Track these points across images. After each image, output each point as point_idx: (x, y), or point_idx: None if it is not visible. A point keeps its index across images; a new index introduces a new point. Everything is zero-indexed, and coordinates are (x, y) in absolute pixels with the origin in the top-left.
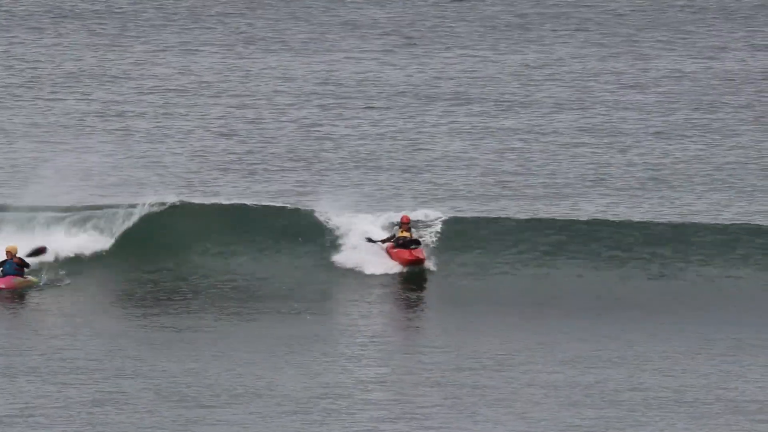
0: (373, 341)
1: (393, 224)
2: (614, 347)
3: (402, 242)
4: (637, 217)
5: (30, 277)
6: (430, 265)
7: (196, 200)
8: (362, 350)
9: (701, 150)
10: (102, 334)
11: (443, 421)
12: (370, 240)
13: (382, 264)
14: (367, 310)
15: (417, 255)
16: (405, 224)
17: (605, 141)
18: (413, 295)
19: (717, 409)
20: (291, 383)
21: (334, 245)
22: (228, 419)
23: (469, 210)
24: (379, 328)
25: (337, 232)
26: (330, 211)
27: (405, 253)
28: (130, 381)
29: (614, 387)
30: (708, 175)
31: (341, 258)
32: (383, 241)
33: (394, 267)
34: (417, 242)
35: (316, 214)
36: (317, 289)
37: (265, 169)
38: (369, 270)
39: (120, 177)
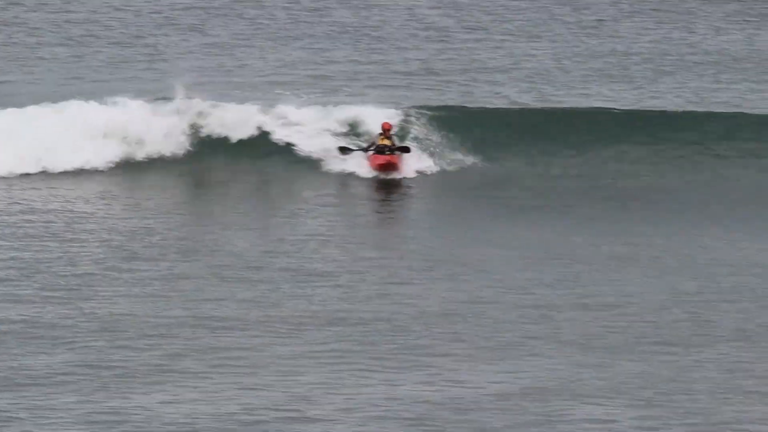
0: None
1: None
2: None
3: (381, 149)
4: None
5: None
6: (407, 172)
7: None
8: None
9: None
10: None
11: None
12: (345, 150)
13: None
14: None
15: (389, 159)
16: (386, 131)
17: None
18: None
19: None
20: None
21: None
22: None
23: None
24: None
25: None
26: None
27: (379, 158)
28: None
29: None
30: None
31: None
32: (365, 150)
33: (368, 173)
34: (405, 149)
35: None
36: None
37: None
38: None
39: None
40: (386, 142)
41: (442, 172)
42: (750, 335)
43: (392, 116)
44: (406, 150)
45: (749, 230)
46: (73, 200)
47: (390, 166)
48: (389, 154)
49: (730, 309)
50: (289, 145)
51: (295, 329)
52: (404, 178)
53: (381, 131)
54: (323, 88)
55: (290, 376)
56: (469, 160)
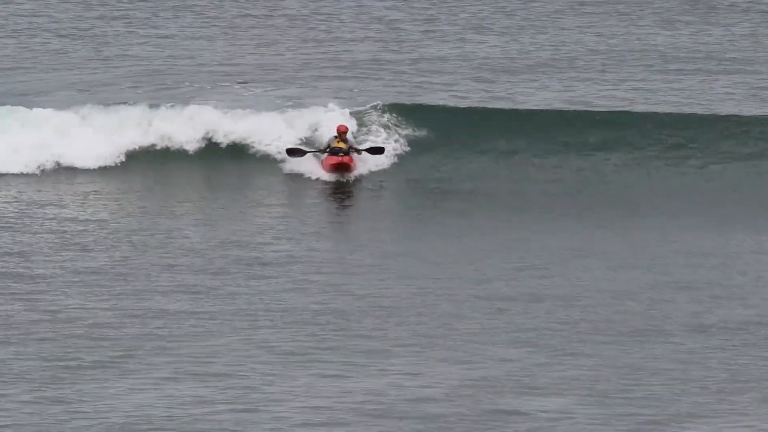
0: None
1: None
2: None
3: (335, 152)
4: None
5: None
6: (361, 172)
7: None
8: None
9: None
10: None
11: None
12: (295, 152)
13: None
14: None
15: (342, 160)
16: (342, 134)
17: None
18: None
19: None
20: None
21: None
22: None
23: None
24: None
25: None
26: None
27: (332, 159)
28: None
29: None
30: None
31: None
32: (321, 152)
33: (322, 175)
34: (379, 150)
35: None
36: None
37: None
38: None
39: None
40: (341, 144)
41: (396, 169)
42: (704, 327)
43: (347, 118)
44: (380, 151)
45: (705, 224)
46: (24, 193)
47: (343, 167)
48: (343, 155)
49: (685, 301)
50: (242, 145)
51: (247, 322)
52: (358, 176)
53: (336, 134)
54: (272, 80)
55: (243, 369)
56: (424, 157)
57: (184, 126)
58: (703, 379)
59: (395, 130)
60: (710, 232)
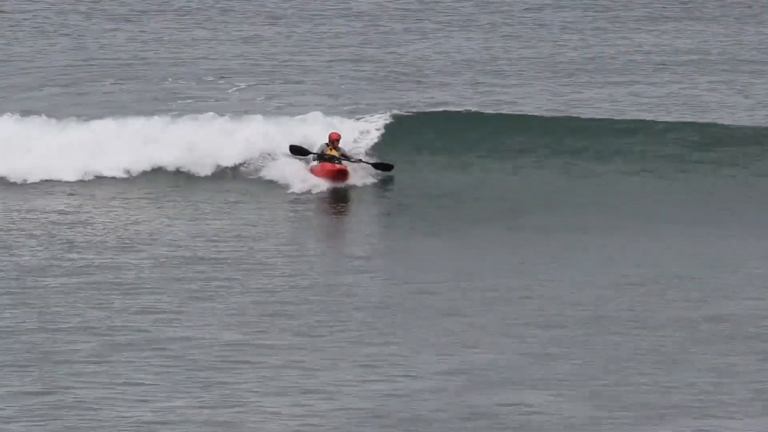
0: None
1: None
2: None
3: (330, 159)
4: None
5: None
6: (356, 180)
7: None
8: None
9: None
10: None
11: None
12: (297, 149)
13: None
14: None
15: (341, 167)
16: (334, 141)
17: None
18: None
19: None
20: None
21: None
22: None
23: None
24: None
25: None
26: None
27: (329, 166)
28: None
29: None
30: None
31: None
32: (317, 158)
33: (319, 184)
34: (388, 167)
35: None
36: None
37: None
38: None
39: None
40: (334, 152)
41: (386, 176)
42: (692, 325)
43: (337, 125)
44: (389, 167)
45: (702, 227)
46: (13, 194)
47: (342, 175)
48: (338, 163)
49: (673, 299)
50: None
51: (236, 320)
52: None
53: (328, 141)
54: (256, 75)
55: (232, 367)
56: (417, 162)
57: (228, 144)
58: (693, 376)
59: (385, 134)
60: (709, 236)
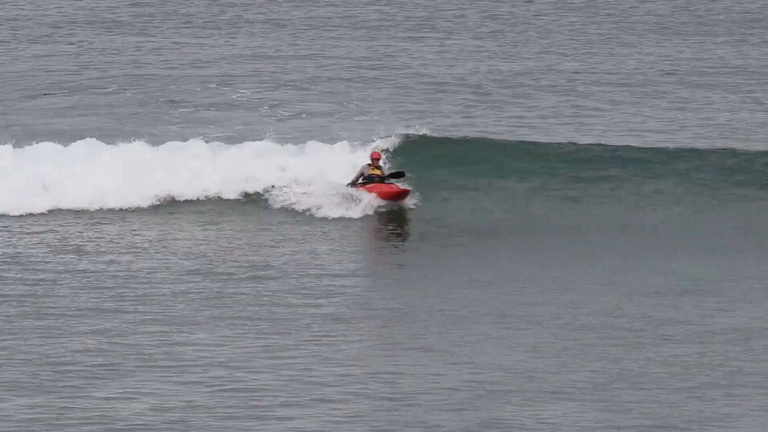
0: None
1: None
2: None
3: (378, 180)
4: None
5: None
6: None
7: None
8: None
9: None
10: None
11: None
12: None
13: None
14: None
15: (404, 189)
16: (375, 161)
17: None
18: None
19: None
20: None
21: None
22: None
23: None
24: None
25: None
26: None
27: (387, 187)
28: None
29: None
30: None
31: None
32: (352, 184)
33: (375, 202)
34: (397, 175)
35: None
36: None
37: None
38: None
39: None
40: (377, 171)
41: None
42: (707, 335)
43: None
44: (401, 175)
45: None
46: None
47: (402, 195)
48: (387, 183)
49: (685, 309)
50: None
51: (246, 325)
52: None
53: (369, 161)
54: (261, 82)
55: (241, 373)
56: (432, 176)
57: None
58: (706, 385)
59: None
60: (720, 250)
